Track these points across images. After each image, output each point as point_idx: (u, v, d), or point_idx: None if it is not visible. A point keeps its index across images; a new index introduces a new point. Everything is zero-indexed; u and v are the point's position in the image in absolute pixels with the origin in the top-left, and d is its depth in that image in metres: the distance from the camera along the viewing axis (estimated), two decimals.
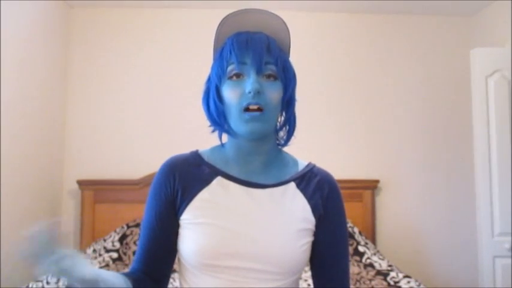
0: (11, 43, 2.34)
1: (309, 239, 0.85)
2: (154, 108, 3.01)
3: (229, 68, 0.82)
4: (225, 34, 0.85)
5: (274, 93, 0.81)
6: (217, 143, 0.93)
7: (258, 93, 0.79)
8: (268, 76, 0.81)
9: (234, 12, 0.84)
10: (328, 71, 3.10)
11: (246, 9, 0.84)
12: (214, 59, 0.87)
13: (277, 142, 0.90)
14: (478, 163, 2.52)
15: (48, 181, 2.77)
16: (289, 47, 0.88)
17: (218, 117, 0.85)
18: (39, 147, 2.65)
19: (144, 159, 2.91)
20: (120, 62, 3.04)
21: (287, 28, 0.86)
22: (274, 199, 0.84)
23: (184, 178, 0.85)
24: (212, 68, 0.87)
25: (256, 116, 0.79)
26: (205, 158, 0.89)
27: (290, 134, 0.89)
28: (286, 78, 0.84)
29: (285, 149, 0.93)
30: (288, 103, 0.86)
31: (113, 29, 3.06)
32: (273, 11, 0.85)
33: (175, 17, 3.09)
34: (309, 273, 0.93)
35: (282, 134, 0.90)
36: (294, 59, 0.90)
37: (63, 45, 2.97)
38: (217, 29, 0.85)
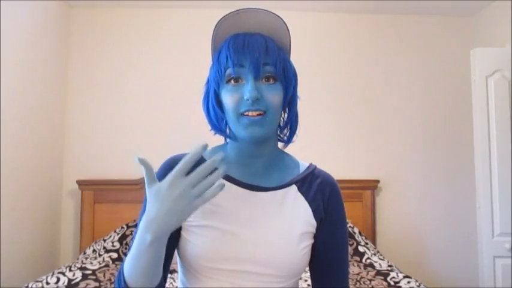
0: (11, 43, 2.34)
1: (309, 241, 0.84)
2: (154, 108, 3.01)
3: (227, 72, 0.79)
4: (223, 35, 0.82)
5: (274, 96, 0.79)
6: (217, 143, 0.93)
7: (256, 100, 0.77)
8: (268, 78, 0.79)
9: (230, 12, 0.81)
10: (328, 71, 3.10)
11: (243, 9, 0.81)
12: (212, 62, 0.84)
13: (279, 139, 0.90)
14: (478, 163, 2.52)
15: (48, 181, 2.76)
16: (290, 46, 0.86)
17: (218, 123, 0.84)
18: (39, 147, 2.65)
19: None
20: (120, 62, 3.04)
21: (286, 27, 0.83)
22: (276, 202, 0.84)
23: None
24: (210, 72, 0.85)
25: (256, 120, 0.77)
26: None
27: (293, 132, 0.88)
28: (287, 78, 0.82)
29: (286, 149, 0.93)
30: (289, 103, 0.85)
31: (112, 29, 3.06)
32: (273, 11, 0.84)
33: (175, 17, 3.08)
34: (309, 273, 0.93)
35: (285, 131, 0.89)
36: (294, 59, 0.90)
37: (63, 45, 2.96)
38: (214, 31, 0.83)
